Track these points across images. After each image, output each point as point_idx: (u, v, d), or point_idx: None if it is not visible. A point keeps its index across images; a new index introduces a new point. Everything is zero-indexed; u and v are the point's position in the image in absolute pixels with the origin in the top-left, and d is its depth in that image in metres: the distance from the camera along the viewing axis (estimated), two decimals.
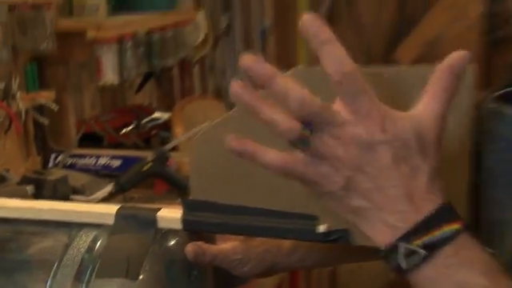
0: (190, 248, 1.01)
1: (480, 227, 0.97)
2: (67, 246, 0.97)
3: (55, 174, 2.00)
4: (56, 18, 2.16)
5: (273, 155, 0.78)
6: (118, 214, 0.99)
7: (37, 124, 2.18)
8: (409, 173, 0.77)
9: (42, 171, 2.07)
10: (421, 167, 0.78)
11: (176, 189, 2.12)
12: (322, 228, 0.91)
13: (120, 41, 2.32)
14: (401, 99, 0.88)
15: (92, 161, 2.23)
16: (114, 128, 2.45)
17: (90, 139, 2.37)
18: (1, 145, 2.09)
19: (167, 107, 2.87)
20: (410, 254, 0.78)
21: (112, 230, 0.98)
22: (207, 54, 3.41)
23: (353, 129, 0.75)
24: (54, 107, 2.16)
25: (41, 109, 2.16)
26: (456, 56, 0.78)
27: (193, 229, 1.00)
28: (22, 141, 2.16)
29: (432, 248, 0.77)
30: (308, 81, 0.84)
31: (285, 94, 0.74)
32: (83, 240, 0.98)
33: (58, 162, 2.18)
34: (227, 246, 1.07)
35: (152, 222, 0.98)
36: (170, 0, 2.69)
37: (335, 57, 0.75)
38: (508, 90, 0.99)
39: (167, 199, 2.07)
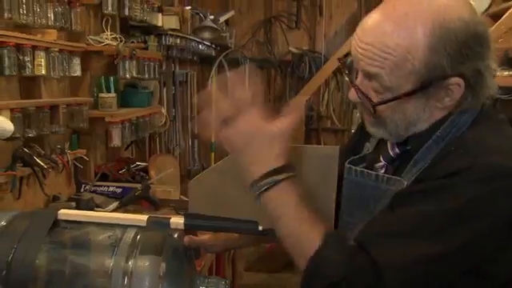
0: (186, 239, 1.01)
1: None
2: (121, 237, 0.93)
3: (86, 196, 1.96)
4: (88, 110, 2.14)
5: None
6: (148, 220, 0.95)
7: (75, 167, 2.15)
8: (267, 149, 0.83)
9: (78, 194, 2.02)
10: (274, 149, 0.83)
11: (153, 205, 2.08)
12: (260, 228, 0.91)
13: (123, 123, 2.30)
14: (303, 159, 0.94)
15: (105, 189, 2.18)
16: (115, 170, 2.39)
17: (103, 176, 2.33)
18: (57, 179, 2.02)
19: (142, 159, 2.78)
20: (264, 186, 0.83)
21: (145, 229, 0.95)
22: (164, 130, 3.35)
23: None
24: (86, 158, 2.13)
25: (78, 159, 2.13)
26: (296, 102, 0.90)
27: (189, 228, 0.97)
28: (68, 177, 2.12)
29: (274, 183, 0.82)
30: None
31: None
32: (130, 234, 0.94)
33: (86, 189, 2.13)
34: (205, 237, 1.09)
35: (167, 224, 0.95)
36: (148, 101, 2.67)
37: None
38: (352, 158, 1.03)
39: (148, 210, 2.02)
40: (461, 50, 0.81)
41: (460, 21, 0.81)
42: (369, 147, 1.04)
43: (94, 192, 2.12)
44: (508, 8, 3.09)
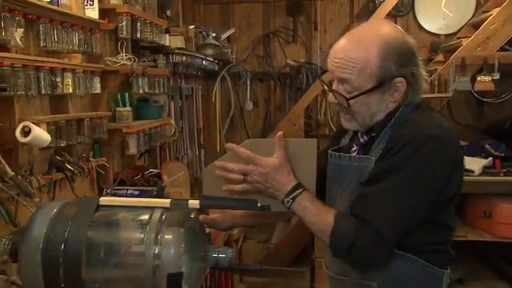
0: (201, 217, 1.20)
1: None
2: (151, 216, 1.10)
3: None
4: (107, 123, 2.31)
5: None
6: (172, 202, 1.12)
7: (97, 173, 2.29)
8: (281, 178, 1.12)
9: None
10: (285, 176, 1.13)
11: None
12: (259, 204, 1.13)
13: (138, 133, 2.46)
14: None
15: (124, 192, 2.35)
16: (131, 176, 2.55)
17: (120, 182, 2.49)
18: (83, 184, 2.20)
19: (154, 167, 2.95)
20: (289, 200, 1.13)
21: (169, 209, 1.11)
22: (173, 140, 3.49)
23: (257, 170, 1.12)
24: (107, 165, 2.34)
25: (100, 166, 2.30)
26: (279, 134, 1.14)
27: (203, 208, 1.15)
28: (91, 182, 2.29)
29: (295, 197, 1.12)
30: (254, 146, 1.11)
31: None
32: (158, 213, 1.10)
33: (107, 192, 2.30)
34: (215, 215, 1.29)
35: (186, 205, 1.13)
36: (159, 113, 2.81)
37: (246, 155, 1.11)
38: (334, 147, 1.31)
39: None
40: (400, 58, 1.14)
41: (397, 39, 1.15)
42: (344, 142, 1.34)
43: (115, 195, 2.30)
44: (486, 18, 3.34)
